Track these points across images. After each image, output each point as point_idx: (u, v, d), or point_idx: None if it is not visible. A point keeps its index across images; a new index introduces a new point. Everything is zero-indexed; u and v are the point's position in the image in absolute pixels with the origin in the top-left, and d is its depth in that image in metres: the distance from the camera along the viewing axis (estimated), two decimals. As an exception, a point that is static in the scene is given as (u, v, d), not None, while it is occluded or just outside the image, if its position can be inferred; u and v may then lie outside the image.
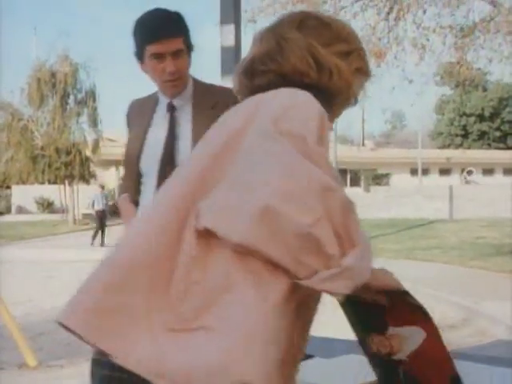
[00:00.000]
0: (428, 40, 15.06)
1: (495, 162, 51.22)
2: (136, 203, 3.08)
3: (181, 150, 2.93)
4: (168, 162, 2.92)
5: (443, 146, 58.72)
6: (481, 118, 57.55)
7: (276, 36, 1.67)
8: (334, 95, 1.66)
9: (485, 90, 56.16)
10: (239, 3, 3.74)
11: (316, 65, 1.62)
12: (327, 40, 1.65)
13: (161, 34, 2.81)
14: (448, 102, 58.62)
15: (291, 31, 1.66)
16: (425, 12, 14.72)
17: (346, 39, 1.69)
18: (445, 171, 51.07)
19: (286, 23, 1.69)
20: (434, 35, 15.00)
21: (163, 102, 3.00)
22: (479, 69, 17.46)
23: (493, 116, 57.47)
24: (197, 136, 2.78)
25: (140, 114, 3.09)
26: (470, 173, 45.09)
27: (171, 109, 2.99)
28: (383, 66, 14.67)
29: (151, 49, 2.81)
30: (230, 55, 3.63)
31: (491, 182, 41.52)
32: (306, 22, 1.68)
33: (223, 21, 3.68)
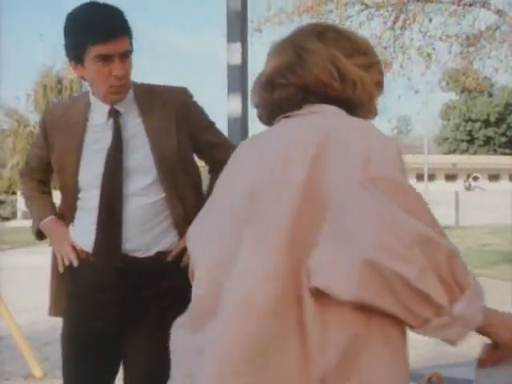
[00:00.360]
0: (434, 49, 15.10)
1: (501, 167, 51.07)
2: (66, 219, 2.81)
3: (131, 158, 2.65)
4: (115, 173, 2.64)
5: (449, 152, 58.65)
6: (486, 123, 57.46)
7: (295, 47, 1.62)
8: (356, 107, 1.61)
9: (490, 95, 56.09)
10: (246, 21, 3.74)
11: (339, 76, 1.57)
12: (349, 51, 1.60)
13: (109, 32, 2.51)
14: (454, 107, 58.57)
15: (312, 42, 1.61)
16: (431, 21, 14.74)
17: (365, 52, 1.65)
18: (451, 177, 50.97)
19: (304, 34, 1.65)
20: (440, 43, 15.03)
21: (101, 108, 2.70)
22: (485, 77, 17.46)
23: (498, 121, 57.37)
24: (153, 140, 2.65)
25: (65, 121, 2.76)
26: (475, 179, 45.01)
27: (115, 114, 2.69)
28: (389, 75, 14.70)
29: (96, 49, 2.49)
30: (237, 73, 3.63)
31: (497, 188, 41.43)
32: (325, 33, 1.63)
33: (230, 39, 3.68)
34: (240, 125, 3.57)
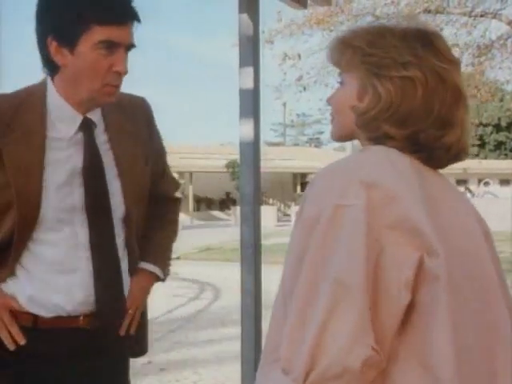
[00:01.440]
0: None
1: (512, 172, 50.92)
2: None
3: (112, 185, 2.10)
4: (102, 205, 2.07)
5: (459, 156, 58.51)
6: (497, 128, 57.28)
7: None
8: None
9: (501, 100, 55.94)
10: (258, 46, 3.75)
11: None
12: None
13: (123, 13, 1.98)
14: (464, 111, 58.36)
15: None
16: (441, 30, 14.73)
17: None
18: (461, 182, 50.84)
19: None
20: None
21: (69, 116, 2.05)
22: (497, 88, 17.44)
23: (509, 126, 57.16)
24: (122, 167, 2.12)
25: (17, 123, 2.02)
26: (486, 184, 44.84)
27: (88, 126, 2.08)
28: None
29: (105, 32, 1.94)
30: (249, 98, 3.63)
31: (508, 192, 41.27)
32: None
33: (242, 63, 3.69)
34: (252, 149, 3.57)
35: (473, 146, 58.51)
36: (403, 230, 1.35)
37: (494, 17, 14.67)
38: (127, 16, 1.98)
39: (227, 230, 18.99)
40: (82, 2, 1.96)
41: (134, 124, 2.22)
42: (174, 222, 2.47)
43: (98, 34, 1.93)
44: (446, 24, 14.76)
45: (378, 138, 1.52)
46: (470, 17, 14.56)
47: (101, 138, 2.12)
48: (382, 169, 1.43)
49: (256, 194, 3.23)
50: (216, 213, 43.28)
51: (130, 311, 2.19)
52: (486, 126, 57.51)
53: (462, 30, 14.79)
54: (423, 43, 1.53)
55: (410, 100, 1.49)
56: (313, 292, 1.34)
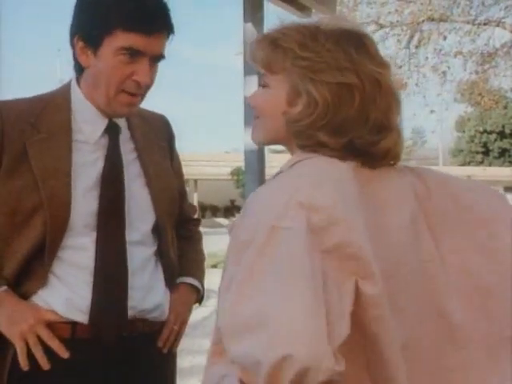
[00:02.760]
0: (449, 68, 15.12)
1: (517, 179, 50.81)
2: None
3: (132, 194, 2.04)
4: (115, 212, 2.00)
5: (464, 164, 58.36)
6: (502, 135, 57.13)
7: None
8: None
9: (505, 107, 55.87)
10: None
11: None
12: None
13: (151, 21, 1.90)
14: (468, 119, 58.33)
15: None
16: (445, 38, 14.75)
17: None
18: (466, 189, 50.69)
19: None
20: (455, 61, 15.07)
21: (95, 118, 2.02)
22: (501, 96, 17.44)
23: (514, 133, 57.09)
24: (150, 175, 2.09)
25: (44, 124, 1.98)
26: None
27: (114, 130, 2.05)
28: (404, 93, 14.76)
29: (129, 39, 1.87)
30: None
31: (513, 200, 41.16)
32: None
33: (246, 72, 3.71)
34: (257, 157, 3.59)
35: (477, 153, 58.45)
36: (341, 254, 1.30)
37: (498, 25, 14.69)
38: (156, 26, 1.90)
39: (232, 237, 18.96)
40: (109, 4, 1.89)
41: (158, 137, 2.20)
42: (201, 241, 2.46)
43: (121, 39, 1.87)
44: (450, 32, 14.78)
45: (312, 146, 1.47)
46: (473, 25, 14.58)
47: (127, 146, 2.08)
48: (320, 188, 1.36)
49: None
50: (221, 220, 43.22)
51: (175, 327, 2.14)
52: (490, 133, 57.41)
53: (465, 38, 14.82)
54: (357, 47, 1.47)
55: (346, 107, 1.44)
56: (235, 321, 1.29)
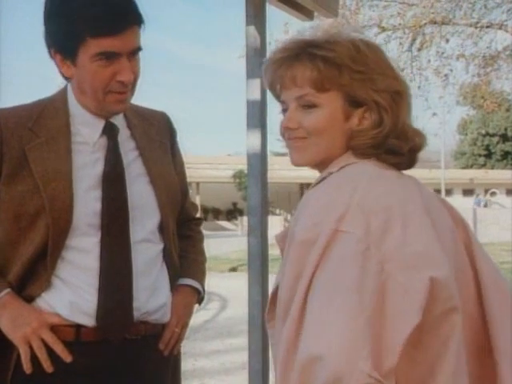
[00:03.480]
0: (451, 71, 15.11)
1: (519, 182, 50.79)
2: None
3: (134, 192, 2.04)
4: (119, 210, 2.00)
5: (466, 167, 58.39)
6: (504, 137, 57.13)
7: None
8: None
9: (507, 110, 55.87)
10: (265, 58, 3.76)
11: None
12: None
13: (118, 22, 1.87)
14: (471, 121, 58.35)
15: None
16: (447, 41, 14.74)
17: None
18: (468, 192, 50.69)
19: None
20: (457, 64, 15.06)
21: (90, 120, 2.02)
22: (504, 98, 17.43)
23: (516, 136, 57.06)
24: (153, 173, 2.09)
25: (43, 129, 2.00)
26: (493, 194, 44.73)
27: (112, 130, 2.05)
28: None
29: (100, 44, 1.86)
30: (256, 109, 3.64)
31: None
32: None
33: (249, 75, 3.70)
34: (260, 160, 3.58)
35: (479, 156, 58.44)
36: (407, 254, 1.36)
37: (500, 28, 14.69)
38: (122, 25, 1.88)
39: (234, 240, 18.95)
40: (75, 15, 1.88)
41: (159, 134, 2.20)
42: (202, 241, 2.45)
43: (93, 46, 1.87)
44: (452, 35, 14.78)
45: (378, 155, 1.53)
46: (475, 28, 14.58)
47: (128, 145, 2.08)
48: (377, 190, 1.43)
49: (263, 204, 3.24)
50: (223, 223, 43.27)
51: (176, 330, 2.14)
52: (492, 136, 57.41)
53: (468, 41, 14.82)
54: (384, 54, 1.59)
55: (403, 112, 1.54)
56: (302, 319, 1.35)
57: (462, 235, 1.57)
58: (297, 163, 1.58)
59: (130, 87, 1.96)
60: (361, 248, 1.34)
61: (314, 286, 1.35)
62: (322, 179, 1.52)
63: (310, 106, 1.53)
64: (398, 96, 1.54)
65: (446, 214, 1.58)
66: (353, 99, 1.51)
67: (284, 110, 1.59)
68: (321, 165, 1.57)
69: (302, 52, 1.54)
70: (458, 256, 1.52)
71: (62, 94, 2.07)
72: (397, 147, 1.52)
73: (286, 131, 1.57)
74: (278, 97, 1.62)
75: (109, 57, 1.88)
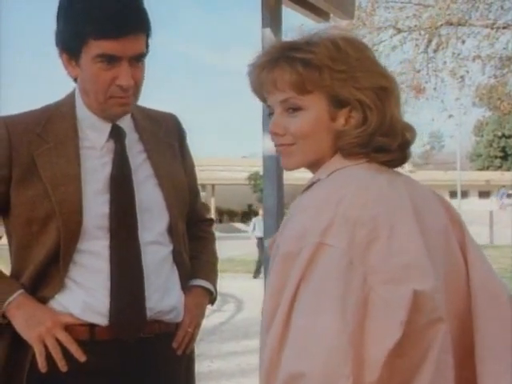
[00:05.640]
0: (467, 72, 15.04)
1: (535, 184, 50.52)
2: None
3: (142, 194, 2.06)
4: (127, 213, 2.02)
5: (482, 168, 58.19)
6: (520, 139, 56.88)
7: None
8: None
9: (524, 111, 55.65)
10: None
11: None
12: None
13: (121, 26, 1.88)
14: (487, 123, 58.12)
15: None
16: (464, 42, 14.68)
17: None
18: (484, 193, 50.52)
19: None
20: (473, 65, 14.98)
21: (97, 123, 2.04)
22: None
23: (533, 138, 56.77)
24: (161, 175, 2.10)
25: (51, 134, 2.02)
26: (510, 196, 44.52)
27: (119, 134, 2.06)
28: (422, 98, 14.76)
29: (100, 46, 1.88)
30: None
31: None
32: None
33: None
34: (275, 162, 3.58)
35: (495, 157, 58.20)
36: (391, 266, 1.35)
37: (517, 28, 14.62)
38: (124, 29, 1.88)
39: (249, 241, 18.93)
40: (79, 16, 1.91)
41: (167, 136, 2.21)
42: (214, 242, 2.46)
43: (94, 48, 1.89)
44: (468, 36, 14.69)
45: (366, 154, 1.51)
46: (492, 29, 14.49)
47: (136, 147, 2.10)
48: (364, 198, 1.41)
49: (279, 206, 3.24)
50: (238, 225, 43.29)
51: (189, 330, 2.16)
52: (508, 137, 57.14)
53: (484, 42, 14.72)
54: (370, 51, 1.58)
55: (390, 108, 1.52)
56: (286, 332, 1.34)
57: (457, 235, 1.56)
58: (287, 168, 1.59)
59: (131, 92, 1.96)
60: (344, 262, 1.33)
61: (297, 300, 1.35)
62: (312, 184, 1.52)
63: (295, 108, 1.52)
64: (384, 92, 1.51)
65: (441, 213, 1.57)
66: (336, 99, 1.50)
67: (271, 114, 1.58)
68: (313, 166, 1.57)
69: (280, 56, 1.53)
70: (450, 256, 1.51)
71: (70, 98, 2.10)
72: (385, 144, 1.51)
73: (274, 137, 1.56)
74: (264, 101, 1.62)
75: (109, 60, 1.90)
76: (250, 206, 43.65)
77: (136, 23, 1.93)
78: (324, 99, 1.50)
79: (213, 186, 38.51)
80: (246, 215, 43.97)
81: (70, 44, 1.94)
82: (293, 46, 1.53)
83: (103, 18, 1.88)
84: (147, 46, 1.98)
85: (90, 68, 1.92)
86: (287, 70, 1.51)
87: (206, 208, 2.52)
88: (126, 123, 2.09)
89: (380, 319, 1.31)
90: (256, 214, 22.52)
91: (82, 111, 2.06)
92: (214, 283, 2.32)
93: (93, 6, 1.89)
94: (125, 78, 1.91)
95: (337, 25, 1.98)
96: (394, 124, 1.52)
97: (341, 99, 1.50)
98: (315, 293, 1.33)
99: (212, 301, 2.33)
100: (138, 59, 1.95)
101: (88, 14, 1.89)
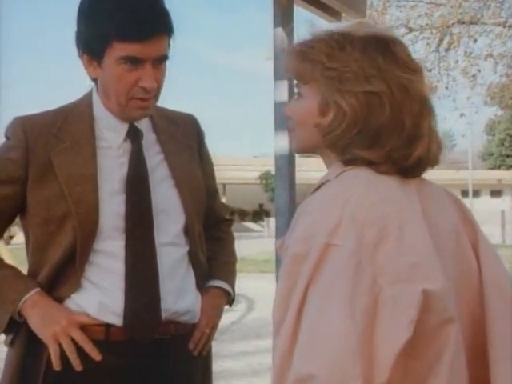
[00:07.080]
0: (479, 71, 15.00)
1: (547, 183, 50.30)
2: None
3: (158, 196, 2.05)
4: (143, 214, 2.02)
5: (494, 167, 57.95)
6: (532, 138, 56.67)
7: None
8: None
9: (536, 110, 55.42)
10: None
11: None
12: None
13: (145, 28, 1.88)
14: (498, 122, 57.91)
15: None
16: (475, 41, 14.64)
17: None
18: (496, 193, 50.32)
19: None
20: (485, 64, 14.93)
21: (114, 124, 2.04)
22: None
23: (545, 136, 56.56)
24: (178, 176, 2.10)
25: (67, 135, 2.02)
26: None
27: (136, 134, 2.07)
28: (434, 97, 14.70)
29: (124, 49, 1.88)
30: (283, 111, 3.64)
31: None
32: None
33: (276, 77, 3.70)
34: (287, 161, 3.57)
35: (507, 156, 57.98)
36: (400, 266, 1.34)
37: (529, 27, 14.58)
38: (148, 31, 1.88)
39: (260, 241, 18.94)
40: (103, 17, 1.90)
41: (186, 136, 2.21)
42: (233, 243, 2.46)
43: (118, 50, 1.88)
44: (481, 35, 14.67)
45: (352, 161, 1.48)
46: (504, 27, 14.46)
47: (153, 148, 2.10)
48: (371, 198, 1.40)
49: (291, 206, 3.23)
50: (249, 224, 43.29)
51: (206, 331, 2.15)
52: (521, 136, 56.93)
53: (496, 41, 14.70)
54: (384, 54, 1.48)
55: (377, 116, 1.44)
56: (296, 334, 1.34)
57: (469, 234, 1.56)
58: (293, 151, 1.64)
59: (152, 94, 1.97)
60: (353, 262, 1.33)
61: (306, 302, 1.35)
62: (321, 185, 1.51)
63: (299, 94, 1.57)
64: (369, 99, 1.45)
65: (453, 213, 1.56)
66: (324, 97, 1.49)
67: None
68: (316, 152, 1.58)
69: (297, 45, 1.57)
70: (462, 256, 1.51)
71: (87, 98, 2.11)
72: (361, 158, 1.47)
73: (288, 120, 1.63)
74: None
75: (133, 62, 1.90)
76: (261, 205, 43.67)
77: (160, 25, 1.93)
78: (318, 93, 1.50)
79: (224, 185, 38.51)
80: (257, 215, 44.01)
81: (93, 45, 1.93)
82: (304, 40, 1.56)
83: (127, 19, 1.87)
84: (169, 48, 1.97)
85: (114, 69, 1.92)
86: (292, 59, 1.55)
87: (226, 208, 2.51)
88: (143, 124, 2.10)
89: (389, 319, 1.31)
90: (267, 213, 22.55)
91: (100, 111, 2.06)
92: (231, 284, 2.31)
93: (116, 7, 1.89)
94: (148, 79, 1.91)
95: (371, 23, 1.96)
96: (385, 134, 1.45)
97: (326, 98, 1.49)
98: (324, 294, 1.33)
99: (230, 302, 2.33)
100: (160, 61, 1.95)
101: (111, 16, 1.88)
